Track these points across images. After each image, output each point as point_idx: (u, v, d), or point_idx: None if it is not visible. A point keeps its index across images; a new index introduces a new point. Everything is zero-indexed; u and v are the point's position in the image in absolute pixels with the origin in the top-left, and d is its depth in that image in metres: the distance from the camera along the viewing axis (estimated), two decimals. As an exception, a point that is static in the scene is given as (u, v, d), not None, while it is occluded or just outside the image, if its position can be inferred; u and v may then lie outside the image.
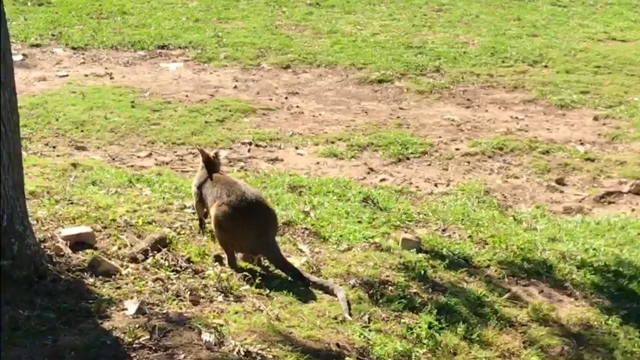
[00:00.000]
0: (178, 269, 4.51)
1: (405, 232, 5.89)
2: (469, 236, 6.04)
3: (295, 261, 4.95)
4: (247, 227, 4.68)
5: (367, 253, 5.32)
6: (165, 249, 4.65)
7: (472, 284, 5.28)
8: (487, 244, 5.94)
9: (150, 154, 7.66)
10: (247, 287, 4.45)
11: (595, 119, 9.38)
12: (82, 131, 8.05)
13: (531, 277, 5.53)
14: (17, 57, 10.35)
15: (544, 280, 5.52)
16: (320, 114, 9.13)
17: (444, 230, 6.15)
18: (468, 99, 9.89)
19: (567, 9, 14.21)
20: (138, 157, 7.54)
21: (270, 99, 9.52)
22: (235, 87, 9.87)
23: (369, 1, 14.17)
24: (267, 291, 4.49)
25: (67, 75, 9.86)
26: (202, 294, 4.26)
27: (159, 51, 11.10)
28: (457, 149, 8.32)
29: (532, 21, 13.26)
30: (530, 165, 8.05)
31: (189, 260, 4.66)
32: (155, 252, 4.63)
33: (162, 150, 7.77)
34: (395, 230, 5.94)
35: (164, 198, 5.74)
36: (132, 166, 7.21)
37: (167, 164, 7.41)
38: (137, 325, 3.85)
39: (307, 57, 11.00)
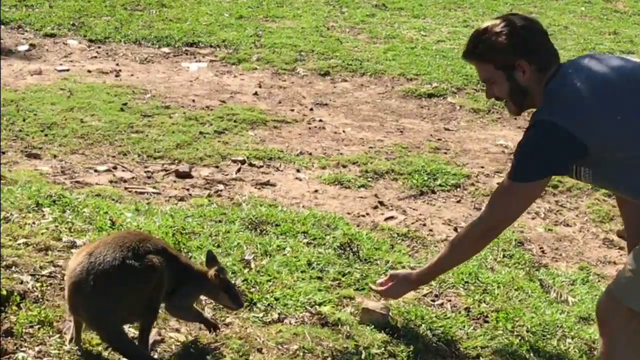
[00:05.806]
0: (-28, 347, 3.13)
1: (378, 300, 4.38)
2: (466, 308, 4.47)
3: (173, 336, 3.49)
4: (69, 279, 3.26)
5: (299, 329, 3.83)
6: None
7: (443, 386, 3.73)
8: (487, 321, 4.37)
9: (115, 167, 6.33)
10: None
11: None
12: (46, 135, 6.79)
13: (535, 379, 3.95)
14: (22, 47, 9.27)
15: (553, 385, 3.93)
16: (344, 131, 7.63)
17: (436, 296, 4.60)
18: (532, 123, 8.20)
19: (676, 24, 12.27)
20: (95, 170, 6.21)
21: (292, 110, 8.07)
22: (256, 93, 8.46)
23: (445, 5, 12.56)
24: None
25: (67, 70, 8.65)
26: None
27: (186, 49, 9.79)
28: (499, 184, 6.68)
29: (631, 36, 11.41)
30: (589, 210, 6.38)
31: (7, 333, 3.25)
32: (-45, 318, 3.25)
33: (131, 164, 6.43)
34: (368, 293, 4.43)
35: (55, 230, 4.39)
36: (77, 182, 5.90)
37: (125, 181, 6.06)
38: None
39: (352, 64, 9.49)
